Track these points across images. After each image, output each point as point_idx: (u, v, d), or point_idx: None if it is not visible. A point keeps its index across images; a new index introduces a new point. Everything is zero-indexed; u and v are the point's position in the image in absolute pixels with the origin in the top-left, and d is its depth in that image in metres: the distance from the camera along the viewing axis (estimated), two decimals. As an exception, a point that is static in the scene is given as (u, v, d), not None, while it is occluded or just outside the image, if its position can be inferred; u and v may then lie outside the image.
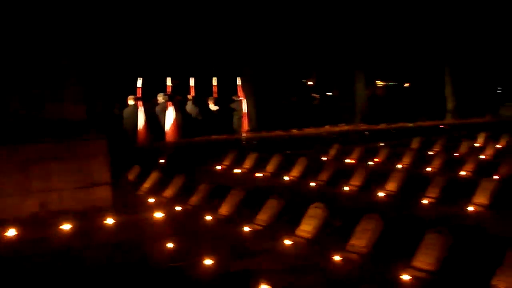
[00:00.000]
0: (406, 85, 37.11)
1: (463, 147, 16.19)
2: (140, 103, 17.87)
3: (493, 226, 8.30)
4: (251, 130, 20.62)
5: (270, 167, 13.59)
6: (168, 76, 19.00)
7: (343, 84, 29.56)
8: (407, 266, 6.28)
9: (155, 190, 11.52)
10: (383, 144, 17.30)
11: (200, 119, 19.43)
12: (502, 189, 9.83)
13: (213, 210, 9.48)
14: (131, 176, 12.73)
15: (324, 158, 14.96)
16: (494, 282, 5.63)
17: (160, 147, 16.88)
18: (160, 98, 18.63)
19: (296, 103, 29.04)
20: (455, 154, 15.38)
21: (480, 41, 29.33)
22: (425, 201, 9.84)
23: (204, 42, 23.92)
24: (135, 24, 22.57)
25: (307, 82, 35.44)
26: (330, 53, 28.34)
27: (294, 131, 20.02)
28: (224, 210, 9.41)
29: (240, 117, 20.18)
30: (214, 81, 20.71)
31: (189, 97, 19.88)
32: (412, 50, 30.31)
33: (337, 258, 6.79)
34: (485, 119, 26.37)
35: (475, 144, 17.31)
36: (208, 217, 9.15)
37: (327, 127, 21.72)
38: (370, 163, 14.20)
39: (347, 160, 14.66)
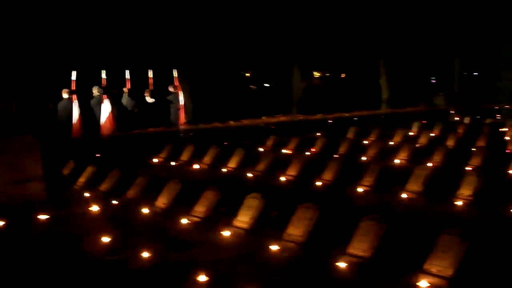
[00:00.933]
0: (343, 75, 37.50)
1: (398, 136, 16.46)
2: (74, 96, 17.58)
3: (426, 212, 8.49)
4: (188, 122, 20.53)
5: (207, 159, 13.57)
6: (103, 69, 18.73)
7: (280, 75, 29.69)
8: (342, 253, 6.37)
9: (91, 184, 11.37)
10: (319, 134, 17.45)
11: (136, 112, 19.23)
12: (435, 176, 10.07)
13: (150, 203, 9.41)
14: (66, 170, 12.53)
15: (261, 149, 15.01)
16: (426, 266, 5.75)
17: (96, 141, 16.65)
18: (95, 91, 18.36)
19: (234, 94, 29.01)
20: (390, 143, 15.63)
21: (414, 32, 29.83)
22: (360, 189, 9.99)
23: (140, 34, 23.68)
24: (68, 16, 22.20)
25: (244, 73, 35.45)
26: (267, 45, 28.41)
27: (231, 122, 20.01)
28: (161, 202, 9.35)
29: (177, 109, 20.04)
30: (150, 73, 20.49)
31: (125, 89, 19.64)
32: (348, 41, 30.63)
33: (274, 247, 6.83)
34: (419, 109, 26.87)
35: (410, 133, 17.62)
36: (145, 210, 9.09)
37: (264, 118, 21.79)
38: (307, 153, 14.32)
39: (284, 151, 14.73)
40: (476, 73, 38.74)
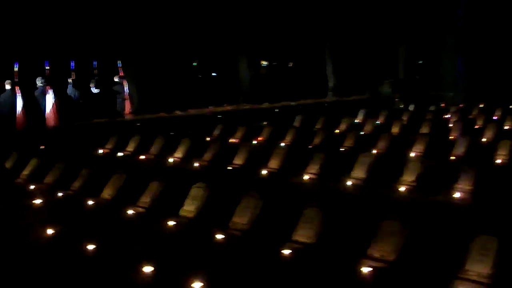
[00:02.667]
0: (290, 64, 37.61)
1: (344, 124, 16.64)
2: (17, 87, 17.26)
3: (369, 199, 8.62)
4: (134, 112, 20.37)
5: (153, 149, 13.51)
6: (47, 59, 18.42)
7: (227, 64, 29.63)
8: (287, 240, 6.43)
9: (35, 177, 11.18)
10: (266, 123, 17.53)
11: (81, 102, 18.99)
12: (379, 163, 10.24)
13: (95, 195, 9.33)
14: (9, 163, 12.29)
15: (208, 139, 15.00)
16: (370, 251, 5.85)
17: (40, 132, 16.39)
18: (39, 81, 18.05)
19: (180, 84, 28.82)
20: (336, 131, 15.78)
21: (360, 21, 30.09)
22: (306, 177, 10.08)
23: (84, 24, 23.34)
24: (9, 6, 21.74)
25: (191, 63, 35.26)
26: (214, 34, 28.30)
27: (178, 112, 19.94)
28: (106, 194, 9.28)
29: (123, 100, 19.88)
30: (95, 63, 20.27)
31: (70, 80, 19.36)
32: (294, 30, 30.72)
33: (219, 236, 6.85)
34: (365, 97, 27.20)
35: (355, 121, 17.82)
36: (91, 202, 9.00)
37: (210, 108, 21.78)
38: (254, 142, 14.37)
39: (230, 140, 14.75)
40: (421, 61, 39.19)
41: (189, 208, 7.79)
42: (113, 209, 8.57)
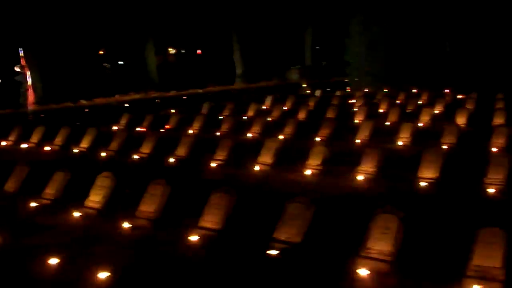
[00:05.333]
0: (199, 52, 37.56)
1: (251, 110, 16.76)
2: None
3: (276, 182, 8.74)
4: (38, 102, 19.88)
5: (58, 140, 13.22)
6: None
7: (134, 52, 29.32)
8: (195, 227, 6.43)
9: None
10: (174, 111, 17.45)
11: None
12: (286, 148, 10.39)
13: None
14: None
15: (115, 128, 14.80)
16: (276, 234, 5.92)
17: None
18: None
19: (85, 73, 28.33)
20: (243, 117, 15.86)
21: (265, 7, 30.26)
22: (213, 164, 10.10)
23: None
24: None
25: (97, 51, 34.71)
26: (120, 22, 27.90)
27: (83, 101, 19.60)
28: (9, 186, 9.01)
29: (25, 90, 19.37)
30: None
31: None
32: (202, 16, 30.65)
33: (126, 225, 6.80)
34: (272, 83, 27.44)
35: (263, 107, 17.97)
36: (-8, 196, 8.75)
37: (117, 96, 21.52)
38: (161, 130, 14.29)
39: (138, 129, 14.61)
40: (318, 47, 39.51)
41: (95, 198, 7.66)
42: (16, 202, 8.35)
